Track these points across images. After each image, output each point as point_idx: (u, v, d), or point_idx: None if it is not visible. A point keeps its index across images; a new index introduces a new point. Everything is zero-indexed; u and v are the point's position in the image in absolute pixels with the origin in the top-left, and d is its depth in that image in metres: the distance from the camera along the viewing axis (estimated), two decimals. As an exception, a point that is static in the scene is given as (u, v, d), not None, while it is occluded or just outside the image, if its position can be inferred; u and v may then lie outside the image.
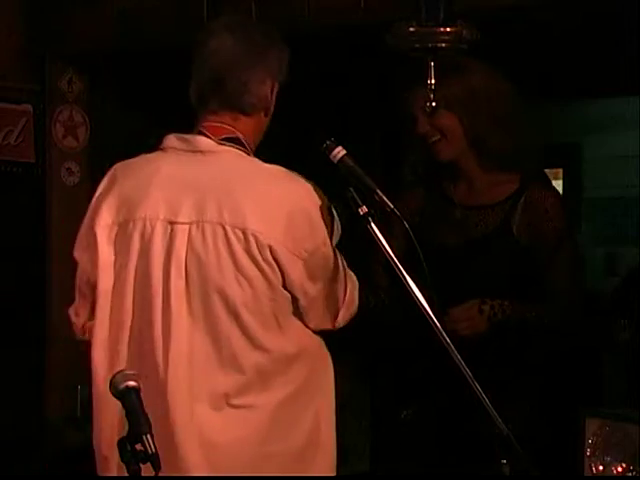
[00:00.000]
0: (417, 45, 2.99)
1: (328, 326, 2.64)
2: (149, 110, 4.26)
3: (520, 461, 2.34)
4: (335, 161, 2.55)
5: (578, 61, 4.20)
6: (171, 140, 2.59)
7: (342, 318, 2.66)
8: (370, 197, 2.54)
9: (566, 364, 4.55)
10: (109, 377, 2.34)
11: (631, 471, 2.87)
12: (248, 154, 2.57)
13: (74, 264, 2.65)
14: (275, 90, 2.62)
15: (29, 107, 4.40)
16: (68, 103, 4.48)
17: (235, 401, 2.50)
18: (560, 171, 6.28)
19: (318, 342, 2.64)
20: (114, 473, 2.49)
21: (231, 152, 2.54)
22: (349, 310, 2.67)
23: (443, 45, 2.97)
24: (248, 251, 2.44)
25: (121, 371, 2.03)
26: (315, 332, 2.62)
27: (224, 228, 2.44)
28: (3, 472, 4.05)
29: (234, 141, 2.55)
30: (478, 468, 2.89)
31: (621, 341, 4.33)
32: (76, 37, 4.25)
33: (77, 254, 2.63)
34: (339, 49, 2.84)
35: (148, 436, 1.89)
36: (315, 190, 2.55)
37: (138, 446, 1.88)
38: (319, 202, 2.54)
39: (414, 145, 3.23)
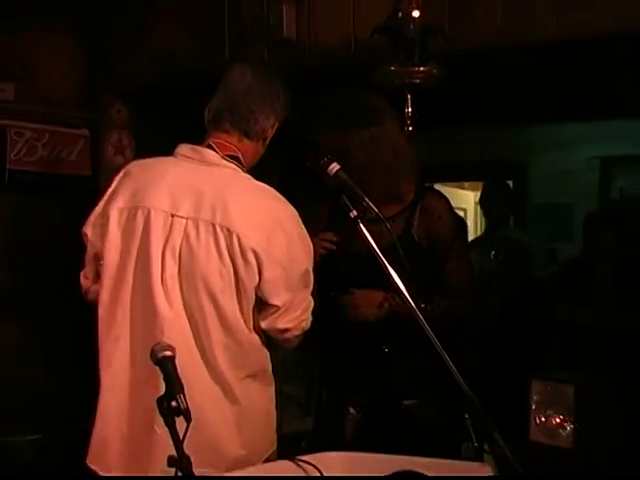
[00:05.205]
0: (397, 81, 2.99)
1: (292, 325, 2.52)
2: (182, 133, 4.24)
3: (479, 416, 2.31)
4: (331, 174, 2.54)
5: (527, 92, 4.16)
6: (183, 149, 2.58)
7: (300, 328, 2.55)
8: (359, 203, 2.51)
9: (517, 338, 4.56)
10: (107, 332, 2.47)
11: (567, 421, 2.88)
12: (244, 171, 2.56)
13: (84, 239, 2.60)
14: (275, 127, 2.61)
15: (86, 131, 4.39)
16: (117, 128, 4.47)
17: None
18: (510, 183, 6.29)
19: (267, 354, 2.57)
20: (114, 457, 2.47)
21: (230, 167, 2.53)
22: (306, 321, 2.56)
23: (417, 81, 2.98)
24: (230, 248, 2.41)
25: (159, 343, 2.01)
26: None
27: (214, 226, 2.41)
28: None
29: (235, 159, 2.54)
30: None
31: (581, 320, 4.29)
32: (123, 74, 4.26)
33: (89, 231, 2.58)
34: (334, 84, 2.83)
35: (181, 395, 1.89)
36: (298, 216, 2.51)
37: (173, 403, 1.88)
38: (299, 224, 2.50)
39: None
